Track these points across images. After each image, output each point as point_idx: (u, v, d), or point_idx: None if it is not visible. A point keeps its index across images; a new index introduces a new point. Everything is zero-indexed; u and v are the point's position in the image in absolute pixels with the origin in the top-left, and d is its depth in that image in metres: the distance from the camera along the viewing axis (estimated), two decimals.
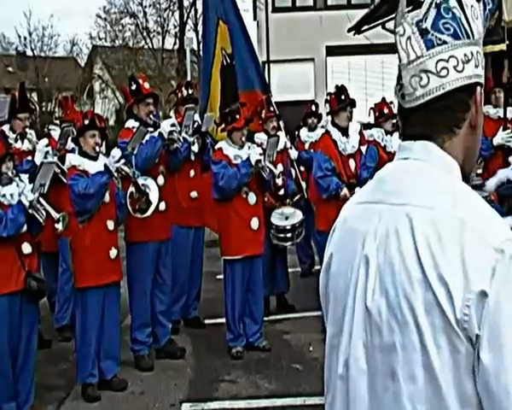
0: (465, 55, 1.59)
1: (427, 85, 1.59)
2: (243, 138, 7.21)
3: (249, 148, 7.22)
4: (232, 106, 7.68)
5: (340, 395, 1.67)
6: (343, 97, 7.63)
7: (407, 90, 1.63)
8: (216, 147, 7.41)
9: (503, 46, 7.13)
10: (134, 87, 7.03)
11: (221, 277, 10.29)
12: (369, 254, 1.60)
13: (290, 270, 9.09)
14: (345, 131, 7.60)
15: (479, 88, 1.62)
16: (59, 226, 5.68)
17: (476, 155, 1.71)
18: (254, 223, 7.18)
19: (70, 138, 7.24)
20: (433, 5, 1.60)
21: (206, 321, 8.34)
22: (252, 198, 7.18)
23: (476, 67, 1.61)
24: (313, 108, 10.35)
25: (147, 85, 7.15)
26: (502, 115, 7.86)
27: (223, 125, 7.50)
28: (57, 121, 8.64)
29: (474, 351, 1.45)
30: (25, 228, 5.58)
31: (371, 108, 8.37)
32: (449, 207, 1.51)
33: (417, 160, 1.63)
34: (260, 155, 7.10)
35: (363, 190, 1.79)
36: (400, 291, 1.51)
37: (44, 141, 7.87)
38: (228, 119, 7.26)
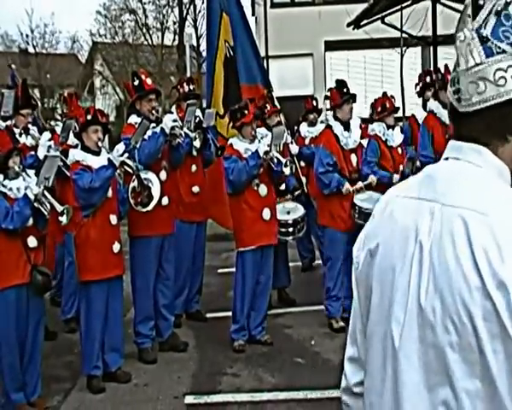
0: None
1: (484, 93, 1.60)
2: (253, 132, 7.27)
3: (259, 141, 7.28)
4: (240, 102, 7.70)
5: (387, 383, 1.69)
6: (345, 90, 7.69)
7: (464, 96, 1.64)
8: (228, 143, 7.46)
9: None
10: (136, 83, 7.04)
11: (222, 271, 10.42)
12: (422, 252, 1.62)
13: (291, 264, 9.10)
14: (346, 126, 7.67)
15: None
16: (63, 219, 5.72)
17: None
18: (266, 213, 7.21)
19: (72, 134, 7.29)
20: (493, 12, 1.60)
21: (208, 315, 8.38)
22: (263, 190, 7.22)
23: None
24: (314, 103, 10.40)
25: (149, 81, 7.15)
26: None
27: (232, 122, 7.50)
28: (59, 117, 8.71)
29: None
30: (30, 221, 5.64)
31: (372, 104, 8.41)
32: (504, 215, 1.53)
33: (470, 163, 1.64)
34: (268, 146, 7.15)
35: (410, 184, 1.79)
36: (457, 296, 1.52)
37: (47, 135, 7.92)
38: (237, 115, 7.30)
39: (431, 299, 1.58)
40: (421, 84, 9.64)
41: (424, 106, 9.17)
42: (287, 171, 7.15)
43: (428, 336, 1.58)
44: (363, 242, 1.85)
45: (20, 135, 7.73)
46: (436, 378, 1.57)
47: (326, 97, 7.94)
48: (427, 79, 9.49)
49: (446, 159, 1.72)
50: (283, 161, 7.14)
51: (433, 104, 8.46)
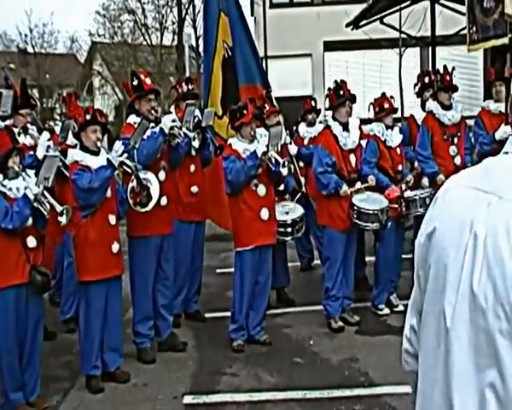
0: None
1: None
2: (252, 133, 7.27)
3: (258, 142, 7.28)
4: (238, 102, 7.71)
5: (439, 360, 1.75)
6: (341, 93, 7.69)
7: None
8: (227, 143, 7.47)
9: (505, 40, 7.12)
10: (136, 83, 7.04)
11: (221, 271, 10.42)
12: (477, 242, 1.66)
13: (290, 264, 9.10)
14: (345, 126, 7.67)
15: None
16: (62, 219, 5.72)
17: None
18: (264, 213, 7.21)
19: (72, 134, 7.28)
20: None
21: (207, 315, 8.38)
22: (261, 190, 7.21)
23: None
24: (312, 103, 10.40)
25: (148, 81, 7.13)
26: (503, 110, 7.83)
27: (231, 123, 7.50)
28: (58, 117, 8.70)
29: None
30: (30, 221, 5.65)
31: (371, 104, 8.43)
32: None
33: None
34: (266, 146, 7.14)
35: (470, 173, 1.84)
36: (510, 287, 1.58)
37: (46, 135, 7.91)
38: (237, 115, 7.30)
39: (484, 286, 1.63)
40: (419, 85, 9.65)
41: (423, 106, 9.18)
42: (284, 171, 7.13)
43: (480, 321, 1.64)
44: (425, 225, 1.91)
45: (19, 135, 7.73)
46: (485, 361, 1.62)
47: (327, 96, 7.92)
48: (426, 79, 9.51)
49: (506, 153, 1.77)
50: (281, 161, 7.14)
51: (432, 104, 8.46)
